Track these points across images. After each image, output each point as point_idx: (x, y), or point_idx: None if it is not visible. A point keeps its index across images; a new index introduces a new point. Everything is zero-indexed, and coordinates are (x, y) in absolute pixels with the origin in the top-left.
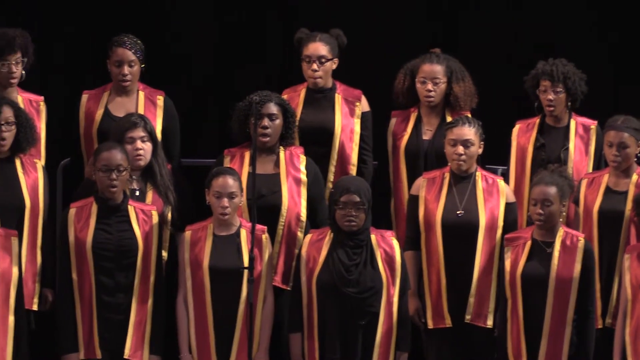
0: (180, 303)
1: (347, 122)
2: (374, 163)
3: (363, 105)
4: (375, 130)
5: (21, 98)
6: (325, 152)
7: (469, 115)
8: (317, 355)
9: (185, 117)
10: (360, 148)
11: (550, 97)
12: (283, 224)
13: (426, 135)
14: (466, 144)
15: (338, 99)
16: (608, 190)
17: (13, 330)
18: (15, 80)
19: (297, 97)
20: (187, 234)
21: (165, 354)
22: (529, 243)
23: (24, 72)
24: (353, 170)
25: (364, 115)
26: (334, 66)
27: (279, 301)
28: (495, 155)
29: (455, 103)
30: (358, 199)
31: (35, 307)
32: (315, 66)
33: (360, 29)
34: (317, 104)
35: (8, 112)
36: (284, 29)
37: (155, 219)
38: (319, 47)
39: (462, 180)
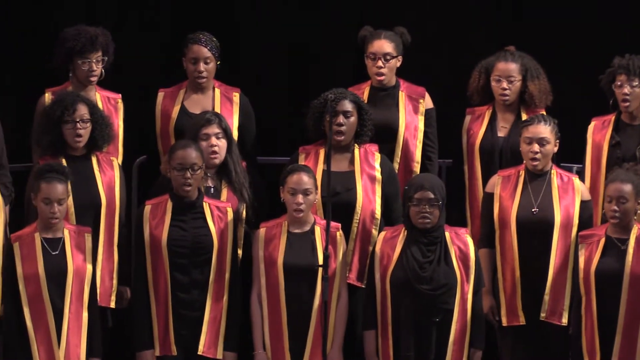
0: (254, 300)
1: (411, 120)
2: (448, 161)
3: (427, 102)
4: (449, 128)
5: (99, 96)
6: (389, 149)
7: (545, 113)
8: (392, 353)
9: (260, 115)
10: (425, 145)
11: (626, 90)
12: (357, 221)
13: (501, 133)
14: (542, 142)
15: (402, 96)
16: None
17: (87, 327)
18: (94, 79)
19: (361, 95)
20: (262, 231)
21: (239, 351)
22: (603, 240)
23: (103, 70)
24: (417, 168)
25: (427, 112)
26: (398, 64)
27: (353, 298)
28: (570, 153)
29: (530, 101)
30: (432, 196)
31: (112, 305)
32: (380, 63)
33: (427, 26)
34: (381, 101)
35: (83, 110)
36: (357, 27)
37: (230, 216)
38: (384, 45)
39: (537, 178)
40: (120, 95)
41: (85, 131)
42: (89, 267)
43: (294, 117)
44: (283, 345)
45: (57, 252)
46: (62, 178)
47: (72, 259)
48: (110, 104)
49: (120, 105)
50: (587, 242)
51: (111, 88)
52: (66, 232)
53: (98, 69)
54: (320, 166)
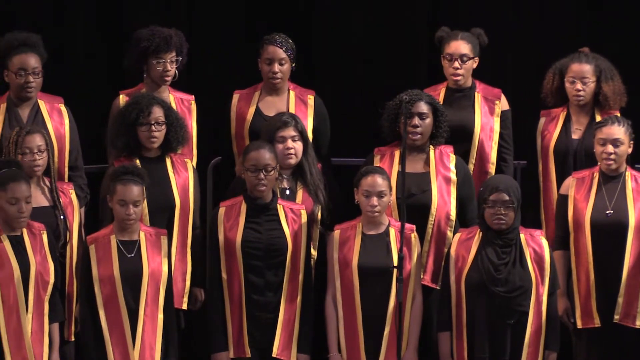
0: (329, 302)
1: (487, 121)
2: (523, 162)
3: (502, 104)
4: (524, 130)
5: (172, 97)
6: (464, 150)
7: (619, 115)
8: (466, 354)
9: (335, 117)
10: (500, 146)
11: None
12: (432, 223)
13: (575, 135)
14: (616, 143)
15: (478, 97)
16: None
17: (162, 328)
18: (169, 79)
19: (437, 96)
20: (336, 233)
21: (313, 353)
22: None
23: (177, 71)
24: (492, 169)
25: (503, 114)
26: (475, 65)
27: (428, 300)
28: None
29: (605, 102)
30: (507, 198)
31: (184, 307)
32: (456, 64)
33: (502, 28)
34: (457, 102)
35: (158, 112)
36: (431, 28)
37: (304, 218)
38: (461, 46)
39: (611, 179)
40: (193, 96)
41: (160, 133)
42: (165, 269)
43: (370, 118)
44: (358, 346)
45: (132, 255)
46: (138, 180)
47: (147, 262)
48: (184, 105)
49: (194, 107)
50: None
51: (185, 89)
52: (142, 234)
53: (172, 69)
54: (395, 167)
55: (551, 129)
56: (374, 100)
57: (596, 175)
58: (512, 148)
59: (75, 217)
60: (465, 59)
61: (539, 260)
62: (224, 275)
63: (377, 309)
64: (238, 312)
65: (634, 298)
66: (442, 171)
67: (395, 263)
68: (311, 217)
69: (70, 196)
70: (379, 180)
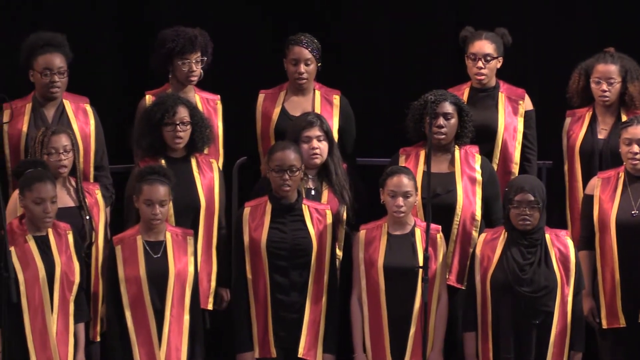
0: (354, 302)
1: (511, 121)
2: (548, 163)
3: (526, 104)
4: (549, 130)
5: (198, 97)
6: (488, 150)
7: None
8: (491, 355)
9: (360, 116)
10: (524, 146)
11: None
12: (458, 223)
13: (601, 135)
14: None
15: (502, 97)
16: None
17: (188, 329)
18: (194, 79)
19: (461, 96)
20: (362, 233)
21: (339, 353)
22: None
23: (202, 71)
24: (515, 169)
25: (527, 114)
26: (499, 65)
27: (453, 300)
28: None
29: (630, 102)
30: (532, 198)
31: (210, 307)
32: (480, 64)
33: (527, 28)
34: (481, 102)
35: (183, 112)
36: (455, 28)
37: (329, 218)
38: (485, 45)
39: (637, 180)
40: (219, 96)
41: (185, 133)
42: (191, 270)
43: (395, 118)
44: (384, 346)
45: (158, 256)
46: (164, 180)
47: (173, 262)
48: (210, 105)
49: (219, 107)
50: None
51: (210, 89)
52: (168, 235)
53: (198, 69)
54: (421, 167)
55: (577, 129)
56: (400, 100)
57: (621, 175)
58: (535, 148)
59: (101, 217)
60: (489, 58)
61: (564, 260)
62: (249, 276)
63: (403, 309)
64: (263, 312)
65: None
66: (468, 171)
67: (421, 263)
68: (336, 217)
69: (96, 196)
70: (405, 180)
